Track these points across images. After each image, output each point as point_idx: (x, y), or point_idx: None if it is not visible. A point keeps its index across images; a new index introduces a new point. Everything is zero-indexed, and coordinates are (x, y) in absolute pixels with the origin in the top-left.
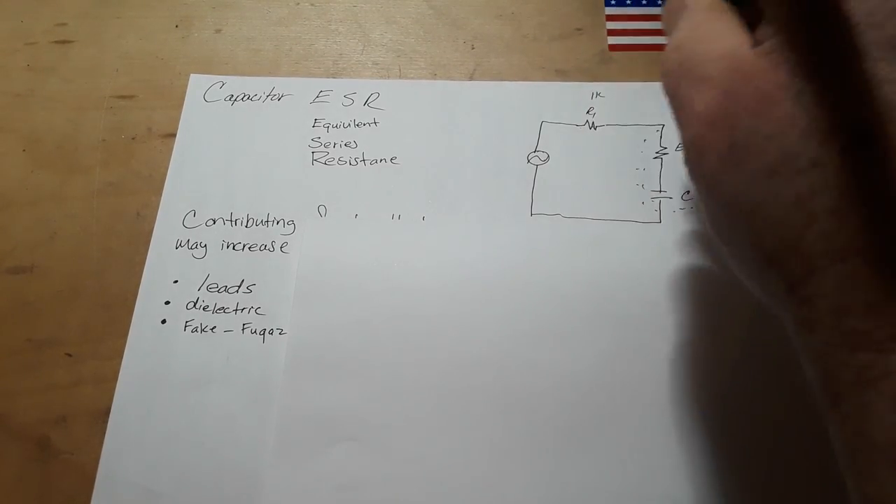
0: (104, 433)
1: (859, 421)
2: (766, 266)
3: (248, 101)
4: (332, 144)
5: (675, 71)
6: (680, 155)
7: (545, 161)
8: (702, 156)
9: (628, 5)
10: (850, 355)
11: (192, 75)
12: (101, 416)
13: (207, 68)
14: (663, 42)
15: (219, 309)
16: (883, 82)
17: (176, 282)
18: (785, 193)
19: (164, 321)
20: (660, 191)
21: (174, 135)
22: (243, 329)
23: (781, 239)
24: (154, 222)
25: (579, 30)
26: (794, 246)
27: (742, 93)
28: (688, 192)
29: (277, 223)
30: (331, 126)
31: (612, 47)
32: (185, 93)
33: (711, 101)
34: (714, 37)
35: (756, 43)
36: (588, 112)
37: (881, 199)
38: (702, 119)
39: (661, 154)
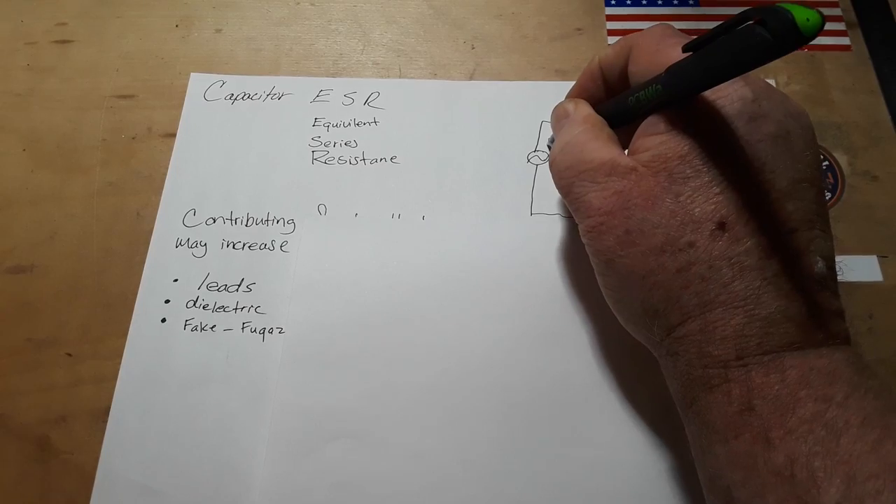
0: (104, 433)
1: (705, 414)
2: (652, 316)
3: (249, 100)
4: (333, 143)
5: (566, 172)
6: None
7: (545, 161)
8: (601, 238)
9: (628, 5)
10: (703, 371)
11: (192, 74)
12: (101, 415)
13: (207, 68)
14: None
15: (219, 308)
16: (732, 188)
17: (176, 280)
18: (669, 265)
19: (164, 320)
20: None
21: (174, 134)
22: (243, 328)
23: (666, 297)
24: (154, 222)
25: (579, 30)
26: (675, 302)
27: (633, 193)
28: None
29: (277, 222)
30: (331, 125)
31: None
32: (185, 92)
33: (606, 200)
34: (594, 147)
35: (632, 153)
36: None
37: (734, 266)
38: (600, 211)
39: None
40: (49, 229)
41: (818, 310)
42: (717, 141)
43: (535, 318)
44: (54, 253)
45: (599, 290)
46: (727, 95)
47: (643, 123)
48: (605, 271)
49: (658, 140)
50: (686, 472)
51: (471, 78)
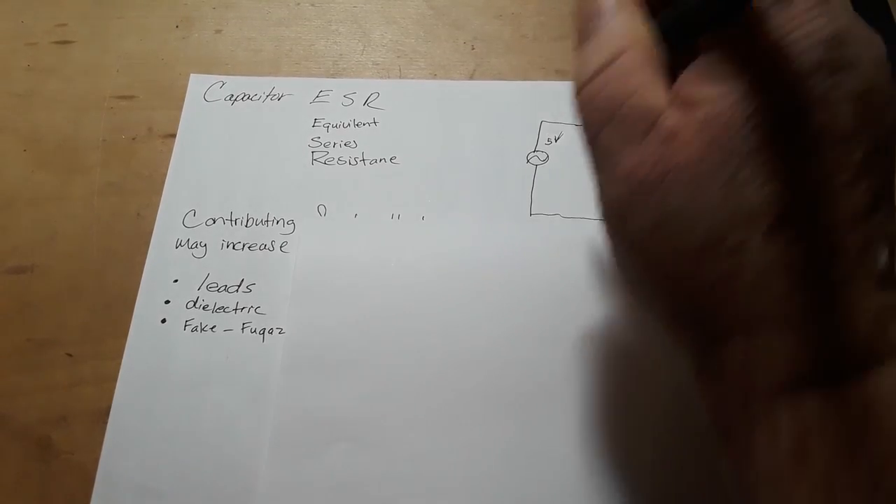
0: (104, 433)
1: (748, 455)
2: (684, 327)
3: (248, 100)
4: (332, 144)
5: (596, 114)
6: None
7: (545, 161)
8: (625, 219)
9: None
10: (745, 400)
11: (192, 75)
12: (101, 415)
13: (207, 69)
14: None
15: (219, 308)
16: (799, 169)
17: (176, 281)
18: (708, 273)
19: (164, 320)
20: None
21: (174, 135)
22: (243, 328)
23: (700, 309)
24: (154, 222)
25: None
26: (713, 317)
27: (676, 164)
28: None
29: (277, 223)
30: (331, 126)
31: None
32: (185, 93)
33: (640, 166)
34: (640, 81)
35: (682, 98)
36: None
37: (792, 274)
38: (629, 182)
39: None
40: (49, 229)
41: (882, 319)
42: (787, 102)
43: (535, 319)
44: (54, 253)
45: (599, 291)
46: (807, 36)
47: (698, 59)
48: (624, 258)
49: (716, 92)
50: (687, 472)
51: (471, 78)
